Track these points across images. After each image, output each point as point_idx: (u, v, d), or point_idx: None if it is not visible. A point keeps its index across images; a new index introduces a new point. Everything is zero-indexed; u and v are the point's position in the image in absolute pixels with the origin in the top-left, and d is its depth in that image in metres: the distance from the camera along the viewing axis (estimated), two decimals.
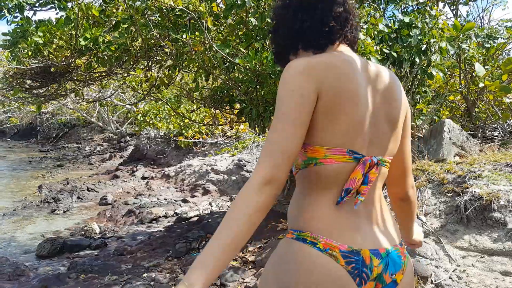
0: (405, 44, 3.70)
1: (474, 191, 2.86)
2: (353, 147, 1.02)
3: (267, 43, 4.06)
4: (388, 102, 1.09)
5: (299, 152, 1.00)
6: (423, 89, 4.35)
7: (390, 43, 3.70)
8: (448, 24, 4.24)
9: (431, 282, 2.32)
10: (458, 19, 6.52)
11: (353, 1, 1.21)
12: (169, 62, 4.53)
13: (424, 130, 3.98)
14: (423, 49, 3.83)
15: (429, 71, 4.01)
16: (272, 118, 4.29)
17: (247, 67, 3.34)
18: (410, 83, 4.35)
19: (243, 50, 3.39)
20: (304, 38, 1.11)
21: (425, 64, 4.00)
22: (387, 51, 3.53)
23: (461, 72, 4.95)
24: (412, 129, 3.90)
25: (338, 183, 1.03)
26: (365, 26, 3.38)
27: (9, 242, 6.54)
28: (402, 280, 1.05)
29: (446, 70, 5.06)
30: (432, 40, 3.84)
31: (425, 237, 2.74)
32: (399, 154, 1.15)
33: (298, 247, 1.02)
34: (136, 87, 5.10)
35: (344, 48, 1.12)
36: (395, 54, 3.69)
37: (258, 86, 3.74)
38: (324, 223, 1.01)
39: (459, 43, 4.03)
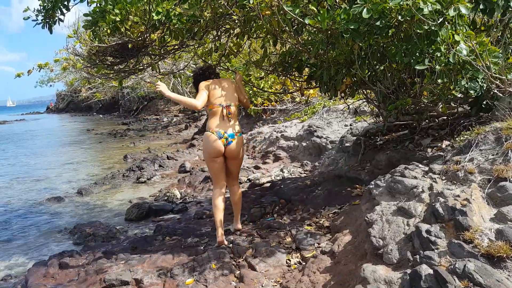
0: None
1: None
2: (219, 102, 3.78)
3: (338, 0, 3.85)
4: (231, 88, 3.90)
5: (206, 106, 3.83)
6: None
7: None
8: None
9: None
10: None
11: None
12: (237, 30, 4.52)
13: None
14: None
15: None
16: (344, 80, 4.12)
17: (318, 27, 3.20)
18: (500, 34, 3.88)
19: (314, 9, 3.24)
20: (199, 81, 3.96)
21: None
22: None
23: None
24: (502, 83, 3.51)
25: (218, 114, 3.76)
26: None
27: (101, 208, 7.24)
28: (233, 141, 3.78)
29: None
30: None
31: None
32: (241, 98, 4.01)
33: (206, 133, 3.80)
34: (207, 57, 5.18)
35: (213, 79, 3.96)
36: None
37: (329, 48, 3.58)
38: (213, 126, 3.76)
39: None
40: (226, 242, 3.79)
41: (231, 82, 3.91)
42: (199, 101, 3.68)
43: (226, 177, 3.96)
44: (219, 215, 3.83)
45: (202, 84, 3.75)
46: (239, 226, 4.23)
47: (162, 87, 3.57)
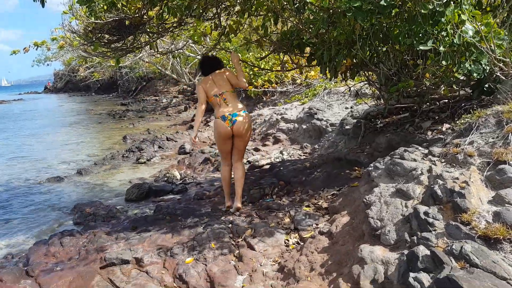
0: None
1: None
2: (214, 93, 4.21)
3: None
4: (221, 78, 4.26)
5: (206, 100, 4.32)
6: None
7: None
8: None
9: None
10: None
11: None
12: (237, 8, 4.44)
13: None
14: None
15: None
16: (344, 61, 4.08)
17: (319, 6, 3.14)
18: (506, 15, 3.82)
19: None
20: (203, 71, 4.47)
21: None
22: None
23: None
24: (505, 66, 3.48)
25: (216, 103, 4.22)
26: None
27: (101, 188, 7.26)
28: (237, 119, 4.13)
29: None
30: None
31: None
32: (233, 81, 4.29)
33: (214, 120, 4.28)
34: (199, 40, 5.07)
35: (214, 72, 4.32)
36: None
37: (330, 27, 3.52)
38: (217, 113, 4.20)
39: None
40: (233, 206, 4.36)
41: (222, 72, 4.30)
42: (201, 104, 4.29)
43: (232, 155, 4.38)
44: (227, 186, 4.44)
45: (199, 88, 4.30)
46: (239, 204, 4.33)
47: (193, 135, 4.34)
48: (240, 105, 4.23)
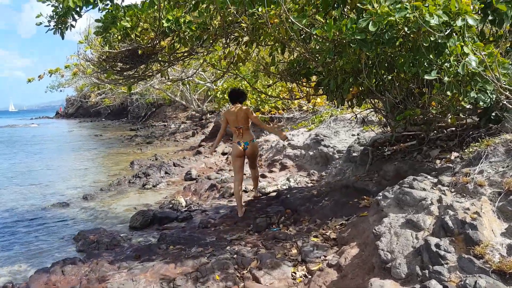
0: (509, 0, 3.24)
1: None
2: (235, 125, 5.47)
3: (346, 10, 3.82)
4: (240, 115, 5.43)
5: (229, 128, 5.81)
6: None
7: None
8: None
9: None
10: None
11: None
12: (246, 38, 4.52)
13: None
14: None
15: None
16: (351, 89, 4.09)
17: (325, 37, 3.18)
18: (509, 44, 3.83)
19: (321, 20, 3.22)
20: (230, 100, 5.75)
21: None
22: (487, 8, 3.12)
23: None
24: None
25: (235, 132, 5.53)
26: None
27: (106, 214, 7.20)
28: (248, 147, 5.53)
29: None
30: None
31: None
32: (253, 121, 5.59)
33: (233, 143, 5.64)
34: (216, 64, 5.22)
35: (236, 105, 5.55)
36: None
37: (336, 56, 3.55)
38: (235, 139, 5.57)
39: None
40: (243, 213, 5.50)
41: (244, 110, 5.45)
42: (222, 130, 5.78)
43: (248, 166, 5.95)
44: (239, 199, 5.56)
45: (224, 117, 5.61)
46: (256, 194, 6.13)
47: (211, 150, 6.17)
48: (250, 137, 5.53)
